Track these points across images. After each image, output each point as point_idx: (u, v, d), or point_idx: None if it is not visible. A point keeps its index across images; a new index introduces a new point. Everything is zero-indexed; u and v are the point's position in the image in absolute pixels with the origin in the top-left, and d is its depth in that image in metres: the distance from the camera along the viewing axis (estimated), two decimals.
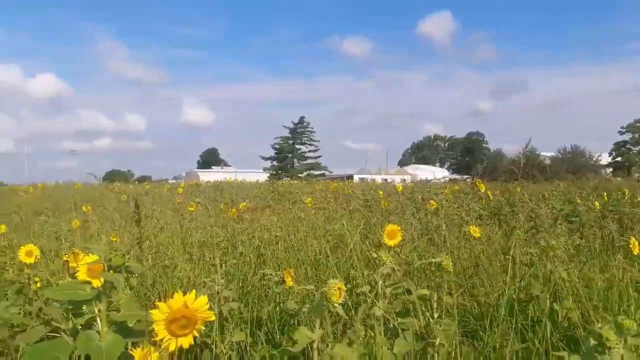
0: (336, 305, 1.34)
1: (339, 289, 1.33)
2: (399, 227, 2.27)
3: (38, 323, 2.59)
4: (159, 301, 1.09)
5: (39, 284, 2.92)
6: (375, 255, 1.76)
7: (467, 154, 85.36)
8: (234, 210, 4.91)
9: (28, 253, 2.85)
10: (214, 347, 1.72)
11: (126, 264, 1.03)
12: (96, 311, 1.04)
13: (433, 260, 1.73)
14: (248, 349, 1.85)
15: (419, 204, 5.55)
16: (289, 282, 2.11)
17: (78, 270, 2.03)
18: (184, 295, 1.10)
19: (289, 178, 33.27)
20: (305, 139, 57.95)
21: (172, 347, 1.07)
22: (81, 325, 2.23)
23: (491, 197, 6.57)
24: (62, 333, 1.11)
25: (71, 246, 4.09)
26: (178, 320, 1.07)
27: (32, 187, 14.75)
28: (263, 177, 36.80)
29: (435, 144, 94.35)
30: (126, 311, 1.04)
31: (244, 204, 5.90)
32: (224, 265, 2.58)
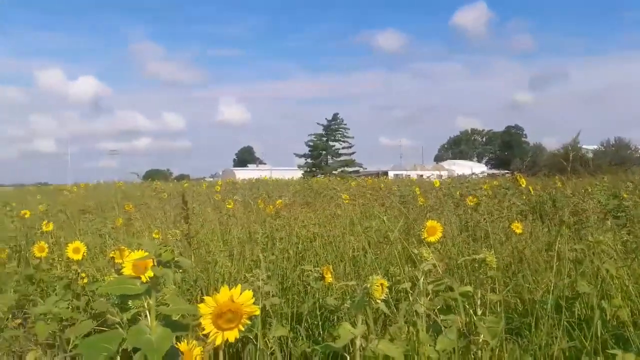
0: (378, 301, 1.33)
1: (381, 285, 1.32)
2: (439, 224, 2.24)
3: (86, 317, 2.69)
4: (202, 296, 1.11)
5: (85, 280, 3.03)
6: (416, 251, 1.75)
7: (505, 148, 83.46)
8: (271, 207, 4.96)
9: (75, 250, 2.94)
10: (255, 341, 1.74)
11: (175, 259, 1.05)
12: (145, 305, 1.06)
13: (476, 256, 1.70)
14: (289, 343, 1.87)
15: (457, 199, 5.46)
16: (328, 278, 2.11)
17: (123, 266, 2.10)
18: (229, 289, 1.11)
19: (323, 175, 33.33)
20: (339, 135, 57.90)
21: (218, 341, 1.09)
22: (127, 319, 2.30)
23: (532, 192, 6.42)
24: (117, 326, 1.14)
25: (115, 243, 4.21)
26: (224, 315, 1.09)
27: (75, 187, 15.26)
28: (297, 174, 36.99)
29: (472, 138, 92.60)
30: (174, 305, 1.07)
31: (281, 201, 5.95)
32: (263, 261, 2.60)
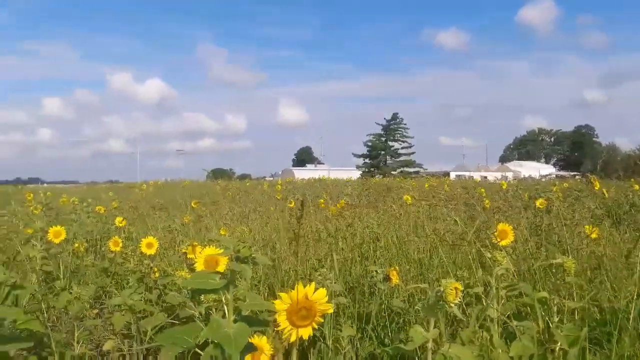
0: (452, 305, 1.30)
1: (455, 288, 1.29)
2: (510, 227, 2.17)
3: (158, 310, 2.80)
4: (268, 293, 1.12)
5: (157, 274, 3.15)
6: (489, 255, 1.69)
7: (575, 149, 79.54)
8: (333, 207, 4.97)
9: (148, 245, 3.06)
10: (323, 340, 1.75)
11: (252, 255, 1.07)
12: (223, 300, 1.09)
13: (554, 261, 1.63)
14: (355, 344, 1.86)
15: (526, 202, 5.26)
16: (395, 279, 2.09)
17: (196, 262, 2.17)
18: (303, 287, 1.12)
19: (381, 176, 33.08)
20: (399, 135, 57.29)
21: (293, 338, 1.10)
22: (200, 313, 2.38)
23: (606, 196, 6.07)
24: (192, 319, 1.19)
25: (184, 239, 4.37)
26: (299, 312, 1.10)
27: (144, 185, 15.97)
28: (355, 174, 36.92)
29: (539, 138, 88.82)
30: (250, 301, 1.09)
31: (343, 200, 5.95)
32: (328, 260, 2.61)
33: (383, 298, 2.11)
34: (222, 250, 2.13)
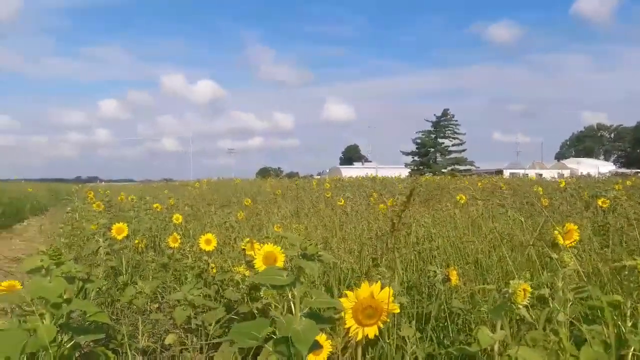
0: (520, 307, 1.27)
1: (524, 290, 1.25)
2: (576, 227, 2.08)
3: (217, 305, 2.87)
4: (345, 291, 1.13)
5: (214, 270, 3.23)
6: (555, 256, 1.63)
7: (637, 146, 75.46)
8: (383, 205, 4.94)
9: (207, 241, 3.14)
10: (381, 339, 1.74)
11: (319, 253, 1.08)
12: (290, 296, 1.10)
13: (627, 263, 1.55)
14: (416, 344, 1.84)
15: (587, 201, 5.04)
16: (454, 280, 2.05)
17: (254, 258, 2.21)
18: (369, 286, 1.12)
19: (431, 174, 32.56)
20: (449, 132, 56.14)
21: (360, 336, 1.10)
22: (257, 309, 2.42)
23: None
24: (278, 313, 1.21)
25: (239, 236, 4.46)
26: (365, 310, 1.10)
27: (197, 182, 16.41)
28: (404, 172, 36.50)
29: (598, 134, 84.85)
30: (317, 298, 1.10)
31: (392, 199, 5.90)
32: (383, 259, 2.59)
33: (443, 298, 2.08)
34: (279, 247, 2.17)
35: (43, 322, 1.67)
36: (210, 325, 2.60)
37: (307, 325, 1.05)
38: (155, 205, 6.38)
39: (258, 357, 1.85)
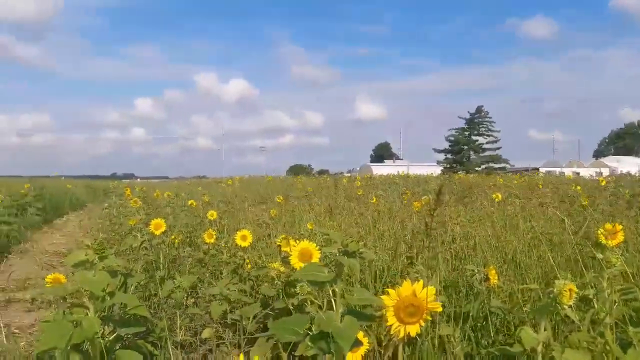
0: (565, 307, 1.23)
1: (570, 290, 1.22)
2: (621, 227, 2.01)
3: (252, 300, 2.90)
4: (387, 289, 1.12)
5: (249, 266, 3.26)
6: (600, 255, 1.59)
7: None
8: (417, 203, 4.89)
9: (243, 237, 3.17)
10: (419, 337, 1.72)
11: (360, 250, 1.07)
12: (331, 293, 1.10)
13: None
14: (453, 343, 1.82)
15: (629, 200, 4.88)
16: (493, 279, 2.02)
17: (290, 254, 2.22)
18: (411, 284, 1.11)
19: (464, 172, 32.06)
20: (483, 129, 55.11)
21: (401, 334, 1.09)
22: (293, 305, 2.43)
23: None
24: (314, 309, 1.22)
25: (272, 233, 4.49)
26: (406, 308, 1.09)
27: (230, 180, 16.61)
28: (436, 170, 36.03)
29: (639, 131, 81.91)
30: (359, 295, 1.09)
31: (427, 197, 5.83)
32: (419, 257, 2.57)
33: (483, 298, 2.04)
34: (314, 244, 2.18)
35: (87, 314, 1.72)
36: (246, 320, 2.62)
37: (349, 322, 1.04)
38: (190, 202, 6.48)
39: (295, 352, 1.86)
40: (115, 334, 1.77)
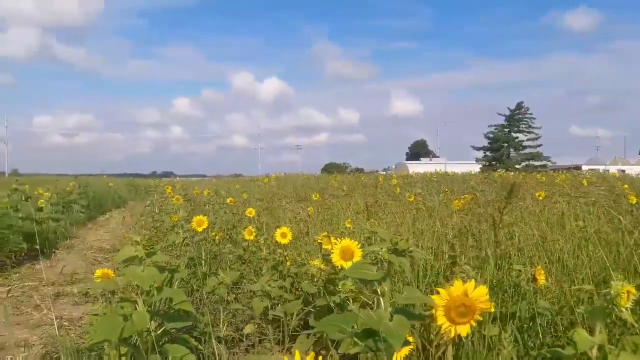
0: (622, 309, 1.19)
1: (627, 292, 1.17)
2: None
3: (293, 297, 2.92)
4: (436, 288, 1.10)
5: (288, 263, 3.28)
6: None
7: None
8: (458, 202, 4.81)
9: (282, 235, 3.19)
10: (464, 338, 1.69)
11: (410, 249, 1.06)
12: (379, 292, 1.10)
13: None
14: (498, 343, 1.78)
15: None
16: (541, 280, 1.97)
17: (332, 252, 2.22)
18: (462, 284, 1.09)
19: (504, 169, 31.35)
20: (524, 126, 53.71)
21: (452, 334, 1.08)
22: (334, 302, 2.43)
23: None
24: (356, 308, 1.22)
25: (310, 230, 4.51)
26: (457, 308, 1.08)
27: (266, 178, 16.75)
28: (474, 168, 35.36)
29: None
30: (408, 294, 1.08)
31: (467, 196, 5.73)
32: (463, 257, 2.53)
33: (529, 298, 1.99)
34: (356, 242, 2.17)
35: (136, 309, 1.77)
36: (287, 316, 2.64)
37: (399, 320, 1.03)
38: (229, 200, 6.57)
39: (338, 350, 1.86)
40: (162, 328, 1.81)
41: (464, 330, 1.09)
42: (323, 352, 2.44)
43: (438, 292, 1.09)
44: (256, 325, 2.72)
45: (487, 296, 1.07)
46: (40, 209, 7.06)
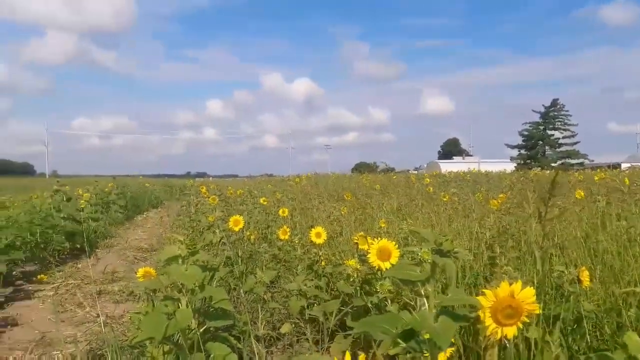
0: None
1: None
2: None
3: (329, 297, 2.93)
4: (482, 289, 1.09)
5: (323, 263, 3.29)
6: None
7: None
8: (495, 201, 4.73)
9: (317, 234, 3.20)
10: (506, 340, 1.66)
11: (455, 249, 1.06)
12: (422, 292, 1.09)
13: None
14: (539, 346, 1.75)
15: None
16: (586, 281, 1.92)
17: (369, 252, 2.21)
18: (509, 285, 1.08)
19: (540, 168, 30.61)
20: (559, 123, 52.36)
21: (498, 336, 1.07)
22: (372, 302, 2.43)
23: None
24: (394, 308, 1.22)
25: (343, 230, 4.51)
26: (504, 310, 1.06)
27: (297, 178, 16.83)
28: (509, 167, 34.65)
29: None
30: (453, 295, 1.08)
31: (503, 195, 5.63)
32: (538, 256, 2.49)
33: (572, 300, 1.95)
34: (393, 242, 2.16)
35: (179, 307, 1.81)
36: (325, 316, 2.65)
37: (445, 322, 1.03)
38: (262, 199, 6.64)
39: (377, 350, 1.86)
40: (204, 327, 1.85)
41: (510, 332, 1.08)
42: (360, 352, 2.44)
43: (483, 294, 1.08)
44: (293, 325, 2.74)
45: (534, 298, 1.05)
46: (81, 209, 7.28)
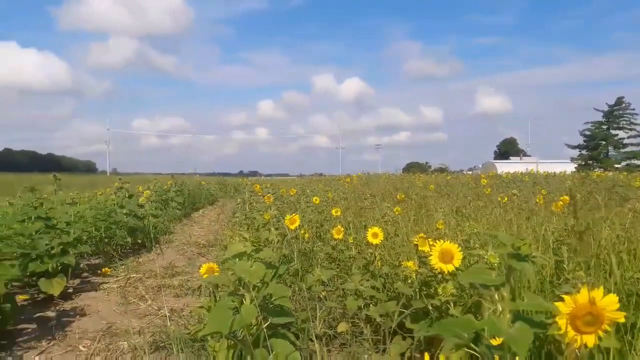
0: None
1: None
2: None
3: (386, 298, 2.91)
4: (561, 294, 1.05)
5: (379, 263, 3.27)
6: None
7: None
8: (559, 203, 4.55)
9: (374, 235, 3.19)
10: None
11: (533, 254, 1.02)
12: (497, 297, 1.07)
13: None
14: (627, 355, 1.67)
15: None
16: None
17: (430, 254, 2.18)
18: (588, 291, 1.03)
19: (602, 169, 29.20)
20: (624, 123, 49.74)
21: (577, 344, 1.02)
22: (433, 305, 2.39)
23: None
24: (457, 312, 1.20)
25: (397, 231, 4.47)
26: (584, 317, 1.02)
27: (348, 177, 16.82)
28: (569, 168, 33.27)
29: None
30: (529, 301, 1.04)
31: (566, 197, 5.40)
32: (570, 262, 2.40)
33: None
34: (456, 245, 2.12)
35: (242, 303, 1.85)
36: (382, 316, 2.64)
37: (522, 328, 1.00)
38: (314, 199, 6.67)
39: (440, 353, 1.83)
40: (267, 323, 1.88)
41: (590, 340, 1.03)
42: (417, 355, 2.41)
43: (561, 299, 1.04)
44: (350, 324, 2.74)
45: (618, 304, 1.01)
46: (142, 206, 7.57)
